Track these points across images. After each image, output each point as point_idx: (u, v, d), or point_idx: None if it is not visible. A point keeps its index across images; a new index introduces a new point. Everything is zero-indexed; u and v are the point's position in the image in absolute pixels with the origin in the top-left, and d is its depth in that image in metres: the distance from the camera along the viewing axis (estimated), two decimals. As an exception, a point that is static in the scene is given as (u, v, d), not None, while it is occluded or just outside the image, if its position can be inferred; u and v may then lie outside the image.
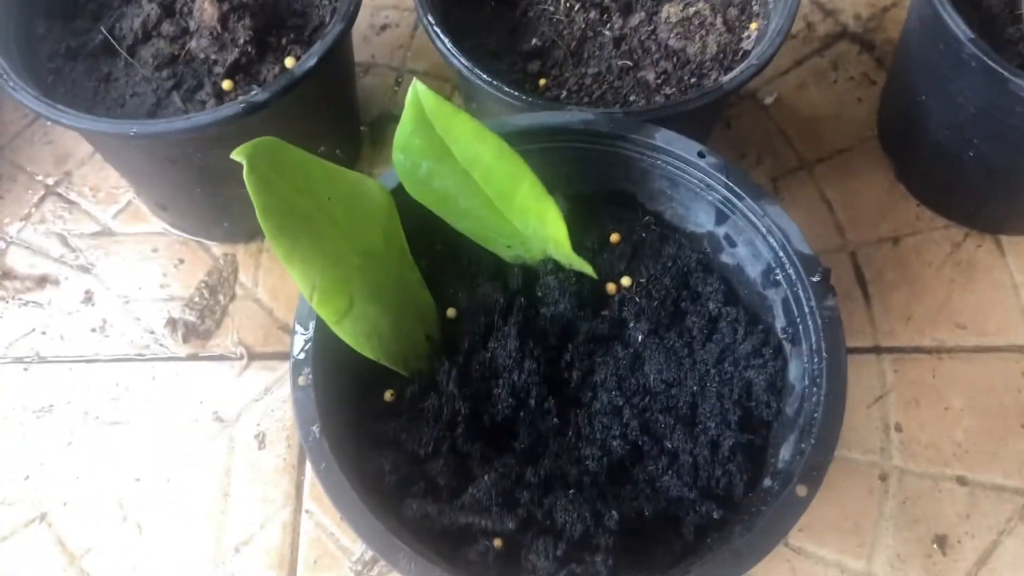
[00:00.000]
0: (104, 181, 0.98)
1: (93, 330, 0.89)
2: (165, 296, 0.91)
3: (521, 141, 0.66)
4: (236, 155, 0.54)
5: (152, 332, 0.89)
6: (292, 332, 0.61)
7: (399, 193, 0.64)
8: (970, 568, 0.76)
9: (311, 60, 0.73)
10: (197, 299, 0.90)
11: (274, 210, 0.55)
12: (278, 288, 0.91)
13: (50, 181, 0.98)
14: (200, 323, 0.89)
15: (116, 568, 0.78)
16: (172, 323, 0.88)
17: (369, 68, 1.04)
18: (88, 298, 0.91)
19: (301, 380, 0.59)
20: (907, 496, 0.80)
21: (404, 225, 0.65)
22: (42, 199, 0.97)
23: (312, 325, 0.61)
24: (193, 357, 0.88)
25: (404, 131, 0.59)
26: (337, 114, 0.89)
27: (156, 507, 0.81)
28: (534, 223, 0.64)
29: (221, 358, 0.87)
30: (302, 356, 0.60)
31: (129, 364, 0.87)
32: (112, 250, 0.94)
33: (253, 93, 0.72)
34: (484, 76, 0.73)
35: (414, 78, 0.59)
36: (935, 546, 0.77)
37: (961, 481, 0.80)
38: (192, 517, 0.80)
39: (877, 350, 0.86)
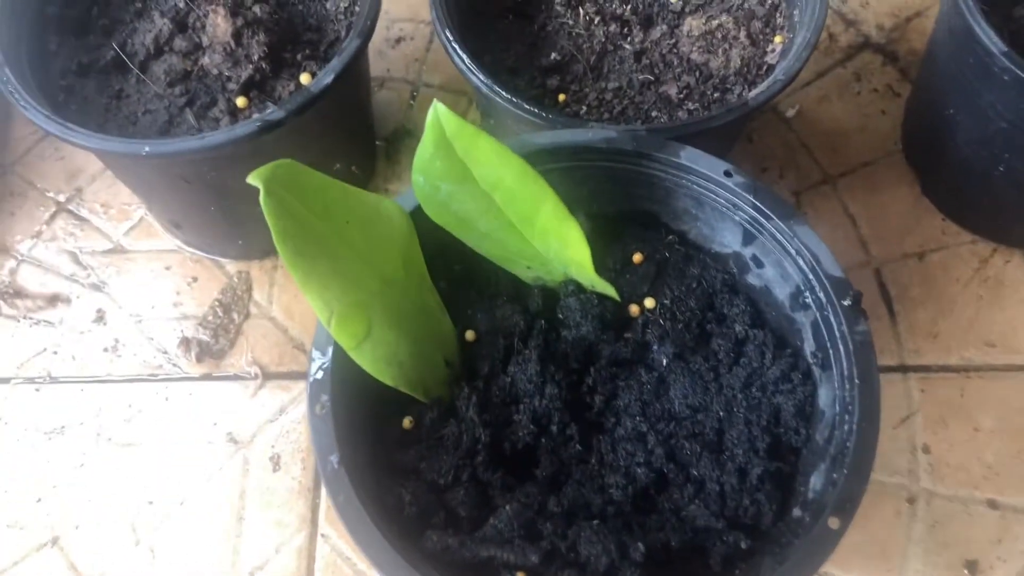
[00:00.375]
0: (116, 197, 0.96)
1: (105, 349, 0.88)
2: (178, 315, 0.89)
3: (542, 160, 0.65)
4: (252, 179, 0.53)
5: (165, 352, 0.87)
6: (309, 358, 0.59)
7: (417, 214, 0.63)
8: (1002, 595, 0.75)
9: (328, 77, 0.72)
10: (211, 318, 0.88)
11: (292, 234, 0.54)
12: (293, 306, 0.89)
13: (61, 198, 0.97)
14: (214, 342, 0.87)
15: (129, 593, 0.77)
16: (186, 342, 0.87)
17: (384, 82, 1.03)
18: (100, 317, 0.90)
19: (318, 409, 0.58)
20: (936, 520, 0.78)
21: (423, 247, 0.64)
22: (53, 216, 0.96)
23: (330, 351, 0.59)
24: (207, 377, 0.86)
25: (424, 154, 0.58)
26: (353, 130, 0.88)
27: (169, 530, 0.79)
28: (556, 245, 0.62)
29: (235, 378, 0.86)
30: (320, 382, 0.59)
31: (142, 384, 0.86)
32: (124, 268, 0.92)
33: (269, 111, 0.71)
34: (503, 93, 0.71)
35: (435, 100, 0.57)
36: (966, 571, 0.76)
37: (992, 504, 0.78)
38: (206, 541, 0.79)
39: (903, 369, 0.85)
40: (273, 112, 0.70)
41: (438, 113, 0.56)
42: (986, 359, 0.85)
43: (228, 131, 0.70)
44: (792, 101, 0.99)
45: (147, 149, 0.69)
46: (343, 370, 0.59)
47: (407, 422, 0.63)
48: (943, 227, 0.92)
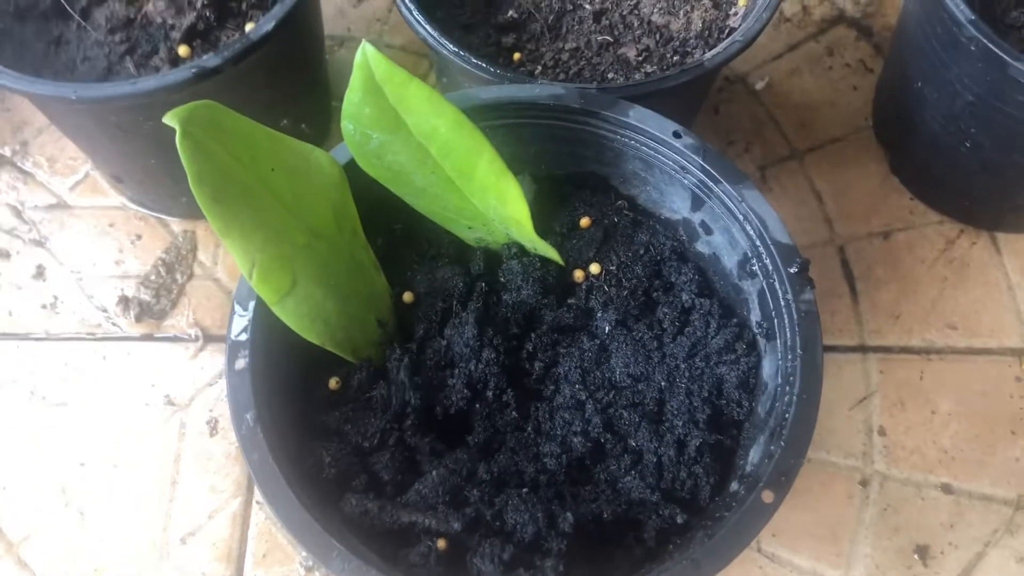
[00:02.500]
0: (62, 152, 0.93)
1: (43, 306, 0.85)
2: (120, 273, 0.86)
3: (487, 116, 0.62)
4: (168, 119, 0.50)
5: (105, 310, 0.85)
6: (231, 313, 0.57)
7: (353, 168, 0.60)
8: (952, 581, 0.73)
9: (268, 24, 0.69)
10: (153, 277, 0.86)
11: (209, 180, 0.51)
12: (238, 268, 0.86)
13: (6, 151, 0.94)
14: (155, 302, 0.84)
15: (56, 557, 0.74)
16: (125, 301, 0.84)
17: (344, 41, 1.00)
18: (40, 273, 0.87)
19: (238, 364, 0.55)
20: (889, 503, 0.76)
21: (360, 202, 0.61)
22: (-4, 169, 0.93)
23: (252, 306, 0.57)
24: (147, 337, 0.84)
25: (353, 98, 0.55)
26: (303, 87, 0.85)
27: (101, 494, 0.77)
28: (495, 202, 0.60)
29: (175, 339, 0.83)
30: (241, 338, 0.56)
31: (79, 343, 0.83)
32: (67, 224, 0.89)
33: (205, 58, 0.68)
34: (451, 47, 0.69)
35: (363, 40, 0.54)
36: (916, 556, 0.74)
37: (946, 489, 0.76)
38: (138, 505, 0.76)
39: (863, 349, 0.82)
40: (209, 59, 0.67)
41: (366, 54, 0.53)
42: (947, 341, 0.83)
43: (160, 77, 0.67)
44: (762, 73, 0.97)
45: (76, 94, 0.66)
46: (266, 326, 0.57)
47: (333, 382, 0.60)
48: (911, 206, 0.89)
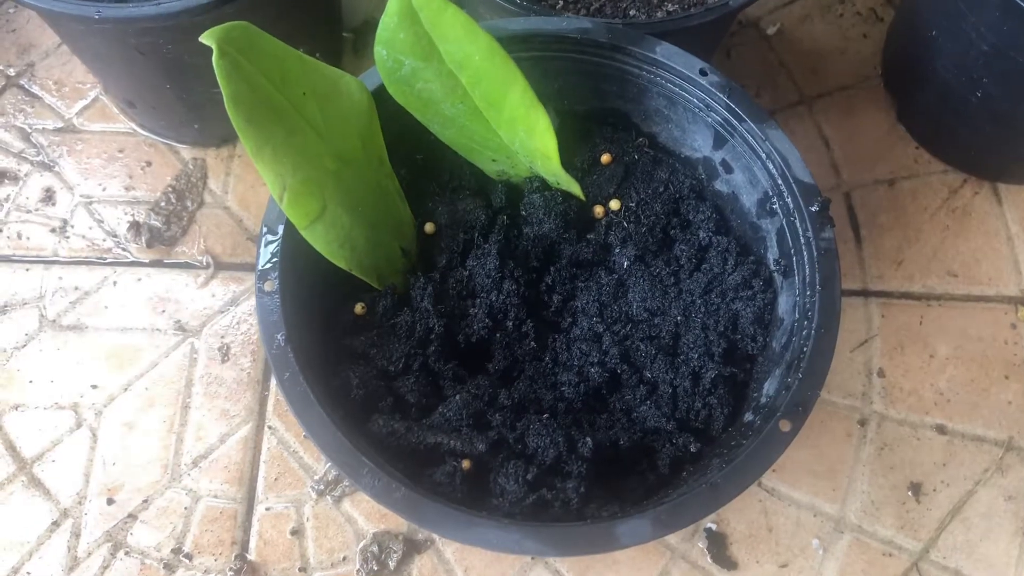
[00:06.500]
0: (70, 75, 0.92)
1: (53, 230, 0.85)
2: (130, 199, 0.86)
3: (513, 47, 0.62)
4: (205, 38, 0.50)
5: (115, 236, 0.85)
6: (260, 235, 0.57)
7: (380, 96, 0.60)
8: (943, 517, 0.75)
9: (292, -51, 0.68)
10: (163, 204, 0.85)
11: (244, 100, 0.51)
12: (248, 197, 0.87)
13: (12, 72, 0.92)
14: (165, 228, 0.84)
15: (68, 476, 0.75)
16: (136, 227, 0.84)
17: (356, -28, 0.99)
18: (49, 197, 0.86)
19: (267, 286, 0.56)
20: (885, 442, 0.78)
21: (385, 131, 0.61)
22: (2, 91, 0.92)
23: (281, 229, 0.57)
24: (157, 263, 0.84)
25: (388, 23, 0.55)
26: (318, 16, 0.84)
27: (112, 415, 0.78)
28: (522, 134, 0.60)
29: (186, 266, 0.84)
30: (269, 263, 0.57)
31: (89, 267, 0.83)
32: (76, 148, 0.89)
33: (229, -19, 0.67)
34: (475, -25, 0.68)
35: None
36: (910, 493, 0.76)
37: (940, 430, 0.79)
38: (149, 427, 0.77)
39: (865, 294, 0.84)
40: (233, -19, 0.67)
41: (405, -21, 0.53)
42: (947, 288, 0.84)
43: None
44: (774, 18, 0.97)
45: (99, 12, 0.66)
46: (294, 250, 0.57)
47: (359, 308, 0.61)
48: (916, 155, 0.91)
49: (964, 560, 0.74)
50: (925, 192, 0.89)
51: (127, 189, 0.87)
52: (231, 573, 0.72)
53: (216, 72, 0.50)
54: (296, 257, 0.57)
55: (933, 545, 0.75)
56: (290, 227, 0.57)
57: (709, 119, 0.64)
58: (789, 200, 0.60)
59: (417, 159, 0.67)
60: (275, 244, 0.57)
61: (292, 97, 0.55)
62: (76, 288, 0.82)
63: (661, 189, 0.67)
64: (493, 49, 0.56)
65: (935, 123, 0.88)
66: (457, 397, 0.57)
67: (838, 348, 0.81)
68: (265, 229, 0.57)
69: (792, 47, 0.96)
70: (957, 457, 0.78)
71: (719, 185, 0.66)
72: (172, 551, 0.73)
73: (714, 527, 0.74)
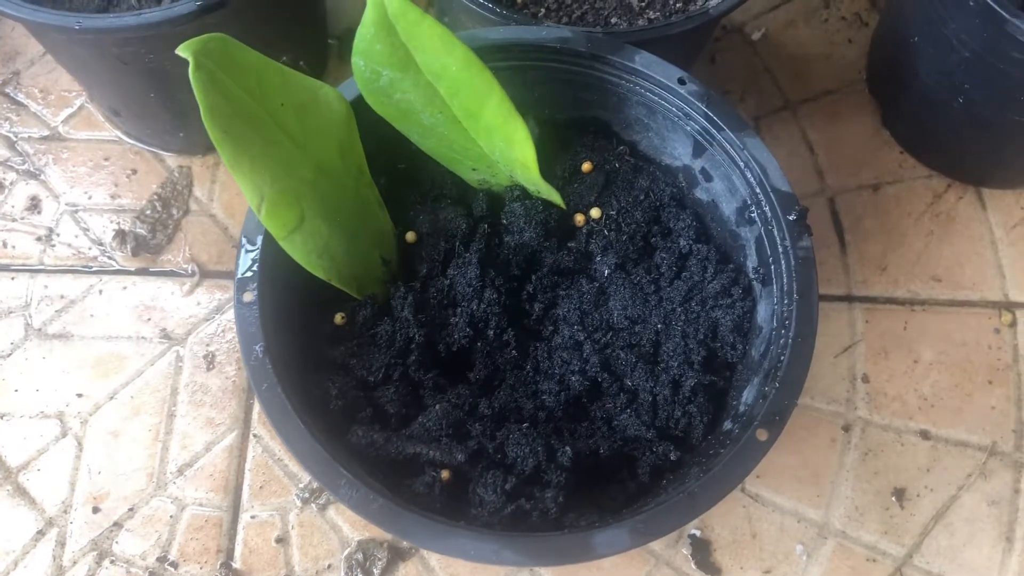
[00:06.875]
0: (55, 84, 0.92)
1: (39, 239, 0.85)
2: (115, 207, 0.86)
3: (492, 57, 0.62)
4: (181, 51, 0.50)
5: (100, 244, 0.85)
6: (239, 246, 0.57)
7: (360, 106, 0.61)
8: (927, 522, 0.76)
9: (273, -42, 0.68)
10: (149, 212, 0.86)
11: (221, 112, 0.51)
12: (234, 204, 0.87)
13: (-3, 80, 0.93)
14: (151, 237, 0.85)
15: (53, 484, 0.75)
16: (121, 235, 0.84)
17: (341, -21, 0.99)
18: (34, 205, 0.87)
19: (246, 296, 0.56)
20: (869, 448, 0.78)
21: (365, 141, 0.61)
22: (-12, 98, 0.92)
23: (260, 240, 0.58)
24: (142, 272, 0.84)
25: (365, 34, 0.55)
26: (302, 22, 0.84)
27: (98, 424, 0.78)
28: (501, 144, 0.60)
29: (172, 274, 0.84)
30: (248, 273, 0.57)
31: (75, 276, 0.84)
32: (61, 156, 0.89)
33: (210, -9, 0.67)
34: (456, -15, 0.69)
35: (375, -24, 0.54)
36: (894, 499, 0.76)
37: (924, 435, 0.79)
38: (134, 436, 0.77)
39: (849, 299, 0.84)
40: (215, -8, 0.67)
41: (380, -10, 0.53)
42: (931, 293, 0.85)
43: (166, 9, 0.67)
44: (759, 24, 0.97)
45: (80, 23, 0.66)
46: (273, 260, 0.57)
47: (339, 318, 0.61)
48: (900, 160, 0.91)
49: (948, 565, 0.74)
50: (909, 197, 0.89)
51: (113, 197, 0.87)
52: (215, 582, 0.72)
53: (192, 84, 0.50)
54: (275, 267, 0.58)
55: (917, 550, 0.75)
56: (269, 238, 0.57)
57: (688, 128, 0.64)
58: (767, 209, 0.60)
59: (398, 168, 0.67)
60: (254, 254, 0.57)
61: (270, 108, 0.55)
62: (62, 296, 0.82)
63: (642, 197, 0.67)
64: (470, 60, 0.56)
65: (919, 128, 0.88)
66: (437, 407, 0.57)
67: (822, 354, 0.82)
68: (244, 239, 0.58)
69: (777, 52, 0.96)
70: (941, 462, 0.78)
71: (699, 193, 0.67)
72: (157, 559, 0.73)
73: (698, 533, 0.75)
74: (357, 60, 0.56)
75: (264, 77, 0.55)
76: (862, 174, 0.90)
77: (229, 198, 0.87)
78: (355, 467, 0.53)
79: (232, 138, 0.52)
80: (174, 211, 0.86)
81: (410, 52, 0.56)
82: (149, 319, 0.82)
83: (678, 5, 0.75)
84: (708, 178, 0.65)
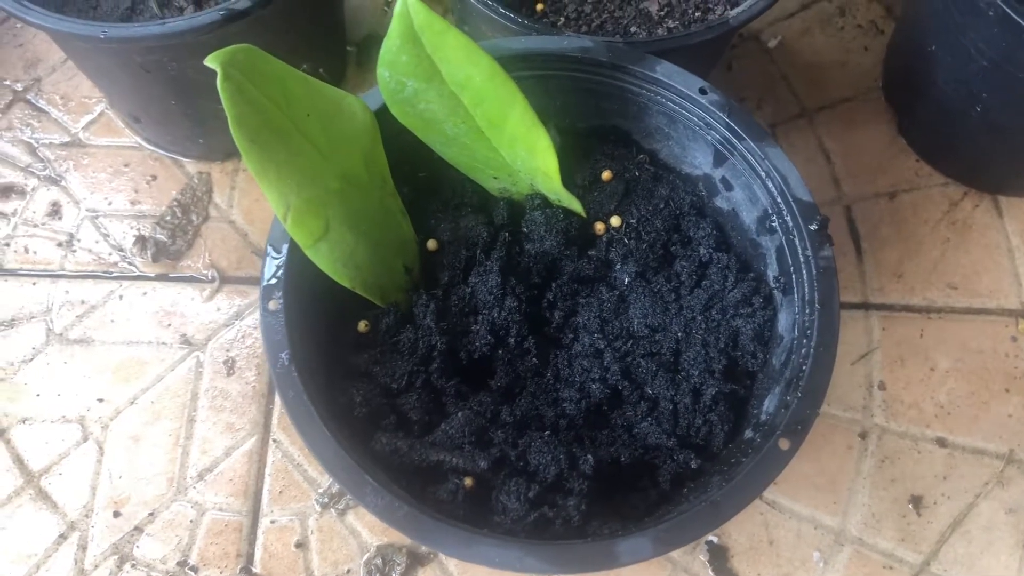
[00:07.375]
0: (76, 90, 0.93)
1: (59, 244, 0.86)
2: (136, 213, 0.87)
3: (514, 66, 0.63)
4: (209, 61, 0.51)
5: (121, 249, 0.85)
6: (264, 255, 0.58)
7: (383, 115, 0.61)
8: (944, 530, 0.76)
9: (296, -32, 0.69)
10: (169, 218, 0.86)
11: (248, 122, 0.52)
12: (254, 211, 0.87)
13: (19, 87, 0.93)
14: (171, 243, 0.85)
15: (75, 489, 0.76)
16: (142, 241, 0.85)
17: (359, -14, 1.00)
18: (55, 211, 0.87)
19: (272, 305, 0.56)
20: (886, 455, 0.78)
21: (387, 150, 0.62)
22: (9, 105, 0.92)
23: (285, 249, 0.58)
24: (162, 277, 0.85)
25: (391, 46, 0.55)
26: (322, 31, 0.85)
27: (118, 429, 0.78)
28: (523, 153, 0.61)
29: (192, 280, 0.84)
30: (273, 281, 0.57)
31: (96, 281, 0.84)
32: (82, 162, 0.90)
33: (234, 1, 0.68)
34: (478, -5, 0.69)
35: (400, -12, 0.55)
36: (910, 506, 0.77)
37: (941, 443, 0.79)
38: (155, 440, 0.78)
39: (866, 307, 0.85)
40: (239, 1, 0.68)
41: (407, 3, 0.54)
42: (947, 301, 0.85)
43: (190, 19, 0.67)
44: (775, 31, 0.97)
45: (105, 32, 0.67)
46: (298, 269, 0.58)
47: (363, 325, 0.62)
48: (916, 168, 0.91)
49: (965, 573, 0.74)
50: (926, 205, 0.89)
51: (133, 203, 0.87)
52: (236, 586, 0.72)
53: (220, 95, 0.51)
54: (300, 276, 0.58)
55: (934, 558, 0.75)
56: (294, 246, 0.57)
57: (709, 137, 0.64)
58: (788, 218, 0.60)
59: (419, 177, 0.68)
60: (279, 263, 0.58)
61: (295, 118, 0.55)
62: (83, 302, 0.83)
63: (662, 206, 0.67)
64: (494, 70, 0.56)
65: (935, 136, 0.88)
66: (459, 414, 0.58)
67: (839, 361, 0.81)
68: (269, 248, 0.58)
69: (793, 60, 0.96)
70: (958, 470, 0.78)
71: (719, 202, 0.67)
72: (178, 564, 0.73)
73: (716, 540, 0.75)
74: (383, 71, 0.57)
75: (289, 87, 0.55)
76: (878, 182, 0.90)
77: (249, 204, 0.88)
78: (380, 474, 0.53)
79: (259, 147, 0.53)
80: (194, 217, 0.86)
81: (435, 63, 0.56)
82: (169, 324, 0.82)
83: (697, 14, 0.75)
84: (728, 187, 0.66)
